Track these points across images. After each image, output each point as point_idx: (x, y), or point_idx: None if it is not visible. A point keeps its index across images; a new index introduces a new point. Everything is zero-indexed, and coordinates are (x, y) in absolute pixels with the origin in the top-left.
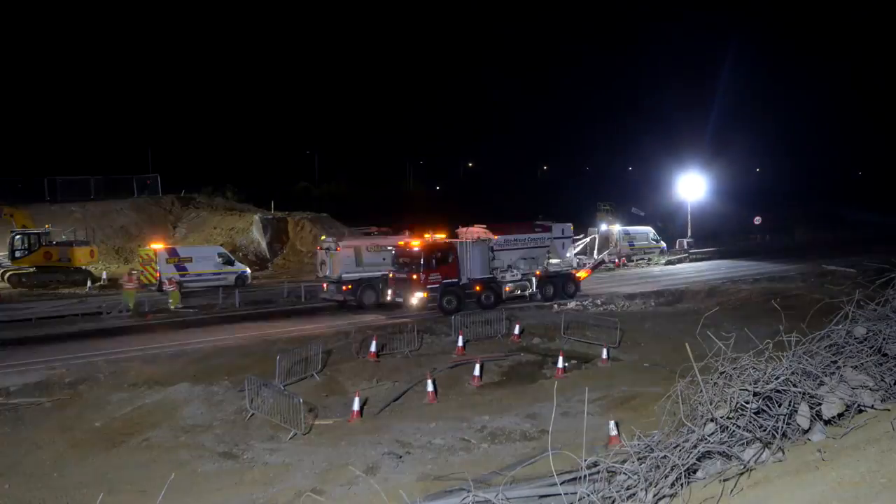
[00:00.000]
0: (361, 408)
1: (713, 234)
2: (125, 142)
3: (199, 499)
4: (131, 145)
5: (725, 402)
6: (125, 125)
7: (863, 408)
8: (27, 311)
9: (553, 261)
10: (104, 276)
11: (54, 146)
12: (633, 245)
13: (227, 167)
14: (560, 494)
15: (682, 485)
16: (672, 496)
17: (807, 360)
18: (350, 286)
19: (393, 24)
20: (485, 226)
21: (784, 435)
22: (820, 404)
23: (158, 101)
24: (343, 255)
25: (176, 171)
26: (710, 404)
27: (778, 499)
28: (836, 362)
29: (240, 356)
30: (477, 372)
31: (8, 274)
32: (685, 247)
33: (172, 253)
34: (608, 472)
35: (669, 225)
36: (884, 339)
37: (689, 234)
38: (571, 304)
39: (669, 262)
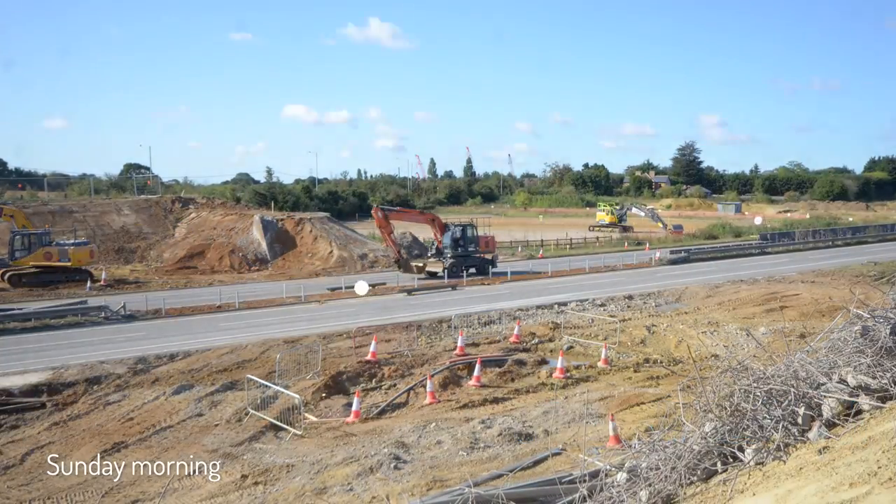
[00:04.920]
0: (361, 408)
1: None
2: (125, 141)
3: (198, 499)
4: (131, 145)
5: (725, 402)
6: (125, 125)
7: (862, 408)
8: (27, 312)
9: None
10: (104, 275)
11: (55, 146)
12: None
13: (227, 167)
14: (560, 494)
15: (682, 485)
16: (672, 496)
17: (807, 360)
18: None
19: None
20: None
21: (785, 435)
22: (820, 404)
23: (159, 100)
24: None
25: (176, 170)
26: (710, 404)
27: (778, 499)
28: (836, 362)
29: (239, 356)
30: (477, 372)
31: (8, 274)
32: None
33: None
34: (608, 471)
35: None
36: (884, 338)
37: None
38: (572, 304)
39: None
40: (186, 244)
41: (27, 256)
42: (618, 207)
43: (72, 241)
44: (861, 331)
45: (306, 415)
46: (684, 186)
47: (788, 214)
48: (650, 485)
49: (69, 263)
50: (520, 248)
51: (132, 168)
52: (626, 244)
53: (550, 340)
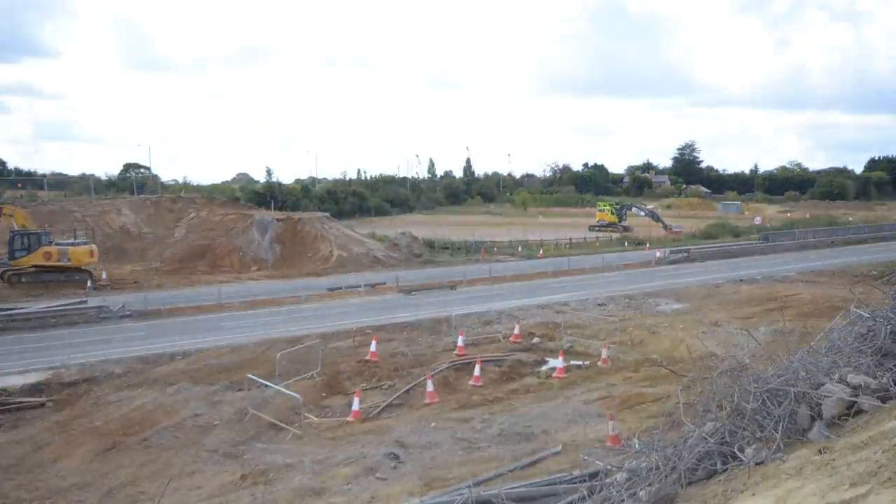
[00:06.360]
0: (361, 408)
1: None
2: (125, 141)
3: (199, 499)
4: (131, 145)
5: (725, 402)
6: (125, 125)
7: (862, 408)
8: (27, 312)
9: None
10: (104, 275)
11: (55, 146)
12: None
13: (227, 166)
14: (560, 494)
15: (682, 484)
16: (672, 496)
17: (807, 360)
18: None
19: None
20: None
21: (785, 435)
22: (820, 404)
23: (158, 100)
24: None
25: (176, 170)
26: (710, 404)
27: (778, 499)
28: (836, 362)
29: (239, 356)
30: (477, 372)
31: (8, 274)
32: None
33: None
34: (608, 471)
35: None
36: (884, 338)
37: None
38: (572, 304)
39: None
40: (186, 244)
41: (27, 256)
42: (617, 207)
43: (72, 240)
44: (861, 331)
45: (306, 415)
46: (684, 186)
47: (788, 214)
48: (650, 485)
49: (69, 263)
50: (520, 248)
51: (132, 168)
52: (626, 244)
53: (550, 340)
